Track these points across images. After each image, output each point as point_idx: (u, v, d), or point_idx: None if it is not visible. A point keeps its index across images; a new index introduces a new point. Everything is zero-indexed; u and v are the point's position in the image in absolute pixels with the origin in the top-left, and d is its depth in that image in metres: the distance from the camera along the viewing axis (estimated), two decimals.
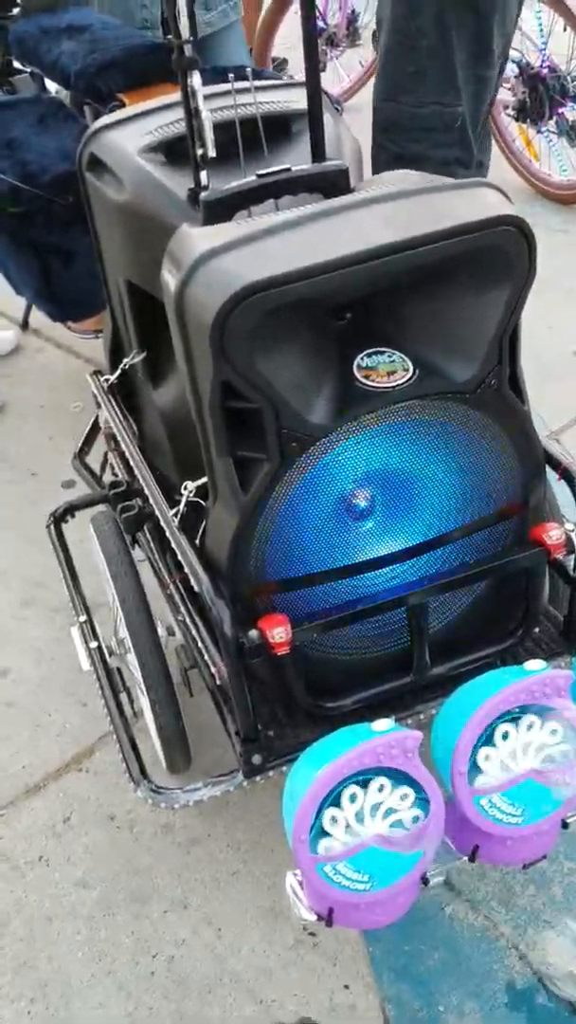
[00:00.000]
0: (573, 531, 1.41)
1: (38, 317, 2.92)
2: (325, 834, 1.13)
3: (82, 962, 1.52)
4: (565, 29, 3.48)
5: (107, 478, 2.07)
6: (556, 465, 1.46)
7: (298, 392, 1.19)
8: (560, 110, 3.63)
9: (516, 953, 1.48)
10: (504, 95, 3.81)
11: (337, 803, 1.13)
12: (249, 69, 1.64)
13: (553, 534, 1.39)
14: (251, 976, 1.48)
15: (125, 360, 1.74)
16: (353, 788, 1.13)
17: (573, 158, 3.70)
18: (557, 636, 1.55)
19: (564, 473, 1.45)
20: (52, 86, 2.54)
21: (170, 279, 1.22)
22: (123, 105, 2.09)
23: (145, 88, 2.13)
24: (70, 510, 1.94)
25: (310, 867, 1.13)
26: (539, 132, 3.75)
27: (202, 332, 1.14)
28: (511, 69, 3.70)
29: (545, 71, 3.59)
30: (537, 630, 1.55)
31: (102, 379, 1.85)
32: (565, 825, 1.28)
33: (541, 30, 3.55)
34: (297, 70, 3.96)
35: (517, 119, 3.77)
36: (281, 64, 4.01)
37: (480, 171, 2.51)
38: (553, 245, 3.40)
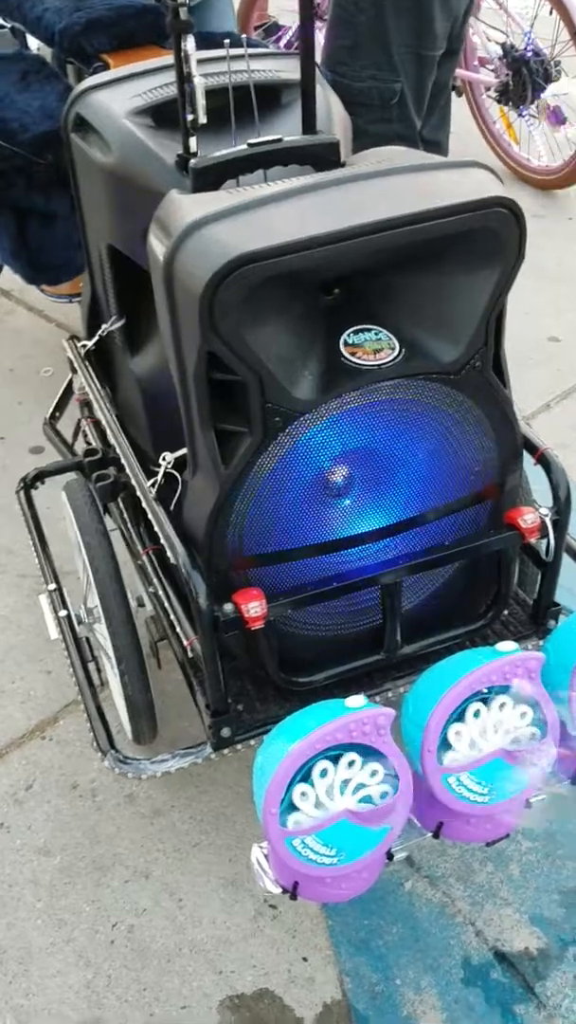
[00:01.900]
0: (547, 516, 1.42)
1: (9, 279, 2.87)
2: (295, 808, 1.13)
3: (41, 929, 1.52)
4: (551, 13, 3.48)
5: (79, 446, 2.04)
6: (533, 450, 1.46)
7: (284, 366, 1.18)
8: (542, 94, 3.62)
9: (472, 929, 1.50)
10: (487, 76, 3.81)
11: (308, 778, 1.13)
12: (244, 37, 1.61)
13: (528, 518, 1.40)
14: (211, 946, 1.49)
15: (103, 327, 1.72)
16: (324, 763, 1.13)
17: (553, 143, 3.70)
18: (525, 619, 1.56)
19: (540, 458, 1.46)
20: (33, 42, 2.49)
21: (158, 246, 1.20)
22: (107, 66, 2.05)
23: (130, 50, 2.09)
24: (40, 476, 1.91)
25: (279, 840, 1.13)
26: (520, 116, 3.75)
27: (190, 301, 1.12)
28: (495, 51, 3.69)
29: (529, 54, 3.58)
30: (506, 612, 1.57)
31: (79, 345, 1.82)
32: (528, 805, 1.30)
33: (528, 13, 3.54)
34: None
35: (499, 101, 3.76)
36: (272, 27, 3.95)
37: (433, 149, 2.55)
38: (530, 230, 3.40)
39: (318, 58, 2.20)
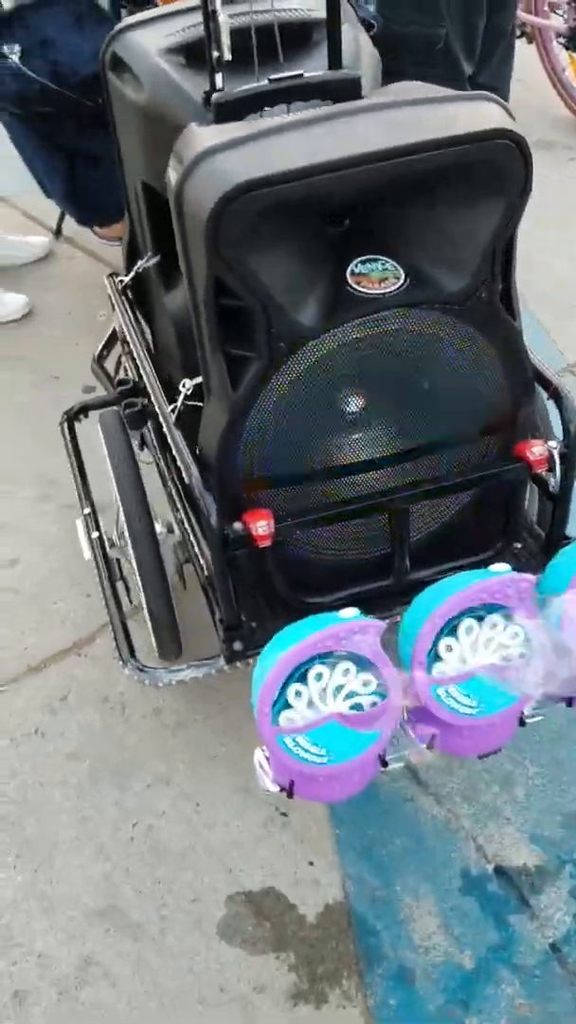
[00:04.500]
0: (556, 448, 1.45)
1: (72, 225, 2.97)
2: (288, 707, 1.20)
3: (67, 825, 1.63)
4: None
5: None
6: (547, 384, 1.49)
7: (289, 293, 1.23)
8: None
9: (474, 844, 1.56)
10: (556, 22, 3.74)
11: (303, 680, 1.20)
12: None
13: (536, 450, 1.44)
14: (223, 848, 1.58)
15: (139, 262, 1.79)
16: (319, 668, 1.20)
17: None
18: (538, 552, 1.60)
19: (554, 393, 1.49)
20: None
21: (172, 175, 1.27)
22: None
23: None
24: (83, 410, 2.00)
25: (271, 737, 1.21)
26: None
27: (197, 228, 1.18)
28: None
29: None
30: (521, 546, 1.61)
31: (116, 280, 1.89)
32: (522, 723, 1.35)
33: None
34: None
35: (567, 47, 3.70)
36: None
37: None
38: None
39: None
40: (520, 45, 3.81)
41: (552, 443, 1.46)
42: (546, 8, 3.83)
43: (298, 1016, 1.39)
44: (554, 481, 1.51)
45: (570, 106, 3.89)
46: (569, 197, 3.31)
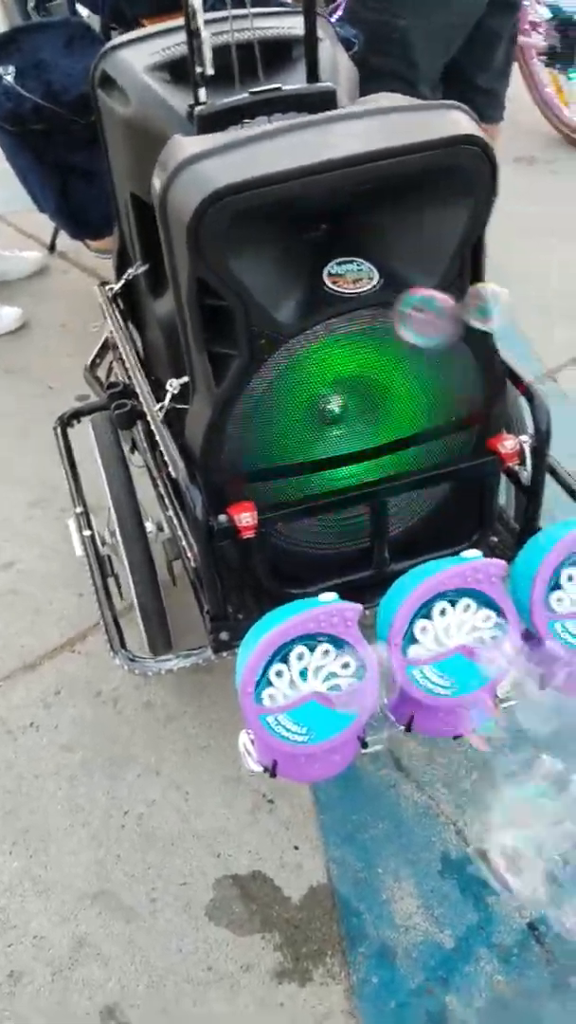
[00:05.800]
0: (527, 443, 1.51)
1: (65, 241, 3.04)
2: (270, 687, 1.26)
3: (61, 814, 1.68)
4: None
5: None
6: (517, 381, 1.55)
7: (268, 293, 1.29)
8: None
9: (453, 829, 1.61)
10: (536, 40, 3.83)
11: (284, 661, 1.26)
12: None
13: (507, 444, 1.50)
14: (211, 834, 1.63)
15: (129, 271, 1.85)
16: (299, 649, 1.26)
17: None
18: (513, 545, 1.65)
19: (524, 390, 1.55)
20: (84, 11, 2.63)
21: (157, 183, 1.33)
22: None
23: (168, 15, 2.21)
24: (76, 415, 2.06)
25: (254, 716, 1.26)
26: (569, 79, 3.77)
27: (180, 231, 1.25)
28: (544, 13, 3.72)
29: None
30: (497, 539, 1.66)
31: (107, 288, 1.96)
32: (498, 704, 1.40)
33: None
34: None
35: (548, 64, 3.79)
36: None
37: (488, 99, 2.60)
38: None
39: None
40: None
41: (523, 437, 1.52)
42: (527, 27, 3.92)
43: (283, 994, 1.44)
44: (526, 475, 1.56)
45: (552, 122, 3.98)
46: (549, 208, 3.39)
